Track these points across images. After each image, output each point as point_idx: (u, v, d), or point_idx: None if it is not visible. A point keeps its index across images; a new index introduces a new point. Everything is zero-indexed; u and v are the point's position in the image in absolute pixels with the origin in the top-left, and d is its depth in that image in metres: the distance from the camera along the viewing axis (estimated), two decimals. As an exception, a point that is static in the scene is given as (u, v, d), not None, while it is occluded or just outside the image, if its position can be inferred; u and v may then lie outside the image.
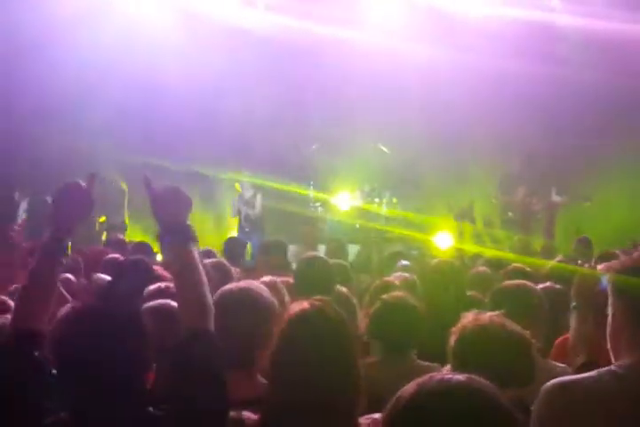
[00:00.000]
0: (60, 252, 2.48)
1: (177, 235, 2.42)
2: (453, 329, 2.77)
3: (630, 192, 10.99)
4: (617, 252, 5.45)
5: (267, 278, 4.24)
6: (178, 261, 2.42)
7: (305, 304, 2.52)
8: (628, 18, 10.92)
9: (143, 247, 6.64)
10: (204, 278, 2.43)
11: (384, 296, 3.86)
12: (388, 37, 11.49)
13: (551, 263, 5.27)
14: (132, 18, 11.49)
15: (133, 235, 10.46)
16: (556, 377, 2.43)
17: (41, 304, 2.46)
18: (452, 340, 2.74)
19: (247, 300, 2.96)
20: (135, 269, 4.52)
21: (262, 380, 2.88)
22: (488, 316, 2.79)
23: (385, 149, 12.08)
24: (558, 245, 9.44)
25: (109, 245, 7.24)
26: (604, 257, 5.26)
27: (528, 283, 3.88)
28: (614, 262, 2.62)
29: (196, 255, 2.44)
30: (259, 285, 3.15)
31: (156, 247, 6.94)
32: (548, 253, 7.56)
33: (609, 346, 2.48)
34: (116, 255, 5.71)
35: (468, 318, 2.79)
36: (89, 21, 11.02)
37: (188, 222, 2.45)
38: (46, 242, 2.47)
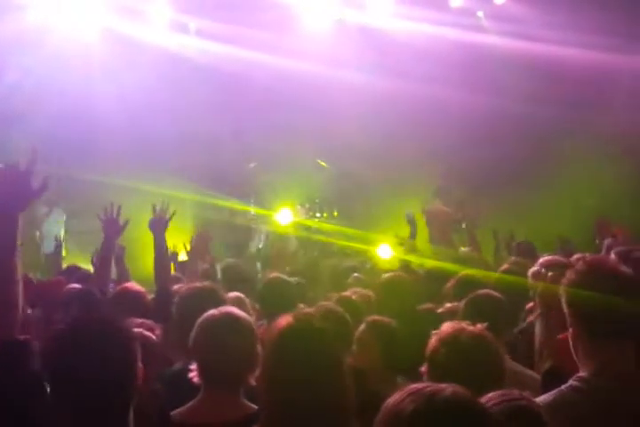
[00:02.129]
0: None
1: (4, 227, 2.46)
2: (433, 340, 2.78)
3: (565, 202, 11.44)
4: (559, 258, 5.60)
5: (232, 294, 4.38)
6: None
7: (290, 319, 2.57)
8: (561, 39, 11.31)
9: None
10: (16, 279, 2.49)
11: None
12: (321, 60, 11.73)
13: (497, 274, 5.31)
14: (64, 41, 11.41)
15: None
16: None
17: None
18: (434, 349, 2.75)
19: (232, 323, 3.02)
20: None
21: (246, 401, 2.97)
22: (470, 326, 2.81)
23: (324, 164, 12.27)
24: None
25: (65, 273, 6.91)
26: (549, 264, 5.39)
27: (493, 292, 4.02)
28: (564, 276, 2.63)
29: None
30: (236, 308, 3.20)
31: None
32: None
33: (573, 353, 2.55)
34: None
35: (447, 327, 2.81)
36: (21, 43, 10.94)
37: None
38: None
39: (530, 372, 3.64)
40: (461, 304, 3.99)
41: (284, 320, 2.57)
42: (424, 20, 12.05)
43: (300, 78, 11.62)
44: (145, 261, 6.50)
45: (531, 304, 4.29)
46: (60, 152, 11.07)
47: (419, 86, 11.31)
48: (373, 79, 11.57)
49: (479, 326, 2.80)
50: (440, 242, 10.03)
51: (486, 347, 2.71)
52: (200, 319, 3.06)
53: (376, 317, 4.01)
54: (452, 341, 2.72)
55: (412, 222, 7.02)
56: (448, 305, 4.42)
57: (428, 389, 1.69)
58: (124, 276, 6.26)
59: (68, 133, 11.22)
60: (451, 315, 3.97)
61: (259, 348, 2.93)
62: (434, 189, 11.30)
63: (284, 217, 11.32)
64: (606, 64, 11.35)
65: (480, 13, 12.69)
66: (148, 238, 5.57)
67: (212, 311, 3.09)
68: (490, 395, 1.72)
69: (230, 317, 3.05)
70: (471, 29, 12.17)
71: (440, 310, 4.42)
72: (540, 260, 4.85)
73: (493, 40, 12.09)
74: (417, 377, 2.76)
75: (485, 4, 12.57)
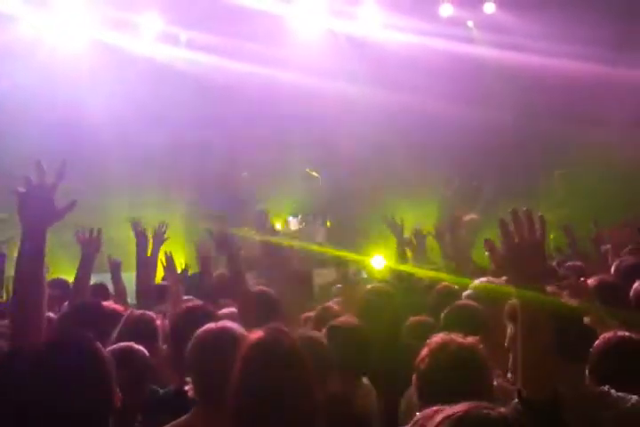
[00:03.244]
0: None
1: (34, 242, 2.48)
2: (423, 350, 2.77)
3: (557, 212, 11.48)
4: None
5: (226, 310, 4.33)
6: (28, 271, 2.50)
7: (261, 333, 2.61)
8: (551, 49, 11.40)
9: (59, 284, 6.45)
10: (45, 296, 2.50)
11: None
12: (312, 71, 11.78)
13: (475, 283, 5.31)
14: (54, 52, 11.43)
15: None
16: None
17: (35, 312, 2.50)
18: (422, 359, 2.74)
19: (229, 337, 2.97)
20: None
21: None
22: (461, 338, 2.79)
23: (314, 174, 12.28)
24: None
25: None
26: None
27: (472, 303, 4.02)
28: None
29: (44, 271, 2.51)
30: (234, 323, 3.17)
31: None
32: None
33: (510, 375, 2.69)
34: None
35: (437, 338, 2.80)
36: (11, 54, 10.95)
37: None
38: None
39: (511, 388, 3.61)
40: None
41: (255, 334, 2.61)
42: (414, 29, 12.15)
43: (291, 89, 11.67)
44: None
45: None
46: (50, 163, 11.04)
47: (409, 96, 11.38)
48: (363, 89, 11.64)
49: (470, 338, 2.78)
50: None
51: (473, 359, 2.69)
52: (196, 333, 3.03)
53: (336, 321, 3.94)
54: (439, 351, 2.71)
55: (393, 227, 6.83)
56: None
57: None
58: (119, 292, 6.17)
59: (57, 145, 11.19)
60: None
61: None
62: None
63: (277, 226, 11.31)
64: (595, 75, 11.41)
65: (470, 23, 12.75)
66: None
67: (209, 325, 3.07)
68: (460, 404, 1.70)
69: (226, 331, 3.01)
70: (461, 39, 12.28)
71: None
72: None
73: (483, 50, 12.16)
74: (388, 380, 2.68)
75: (475, 13, 12.65)
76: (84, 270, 5.12)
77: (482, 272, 6.33)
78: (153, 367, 3.48)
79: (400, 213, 11.65)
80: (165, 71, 12.04)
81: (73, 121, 11.34)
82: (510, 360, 2.69)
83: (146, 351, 3.50)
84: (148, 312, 4.23)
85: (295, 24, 12.61)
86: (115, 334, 3.79)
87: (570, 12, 11.23)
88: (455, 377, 2.61)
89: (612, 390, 2.63)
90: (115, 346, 3.44)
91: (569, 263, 6.00)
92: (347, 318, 3.96)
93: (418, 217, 10.56)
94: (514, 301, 2.64)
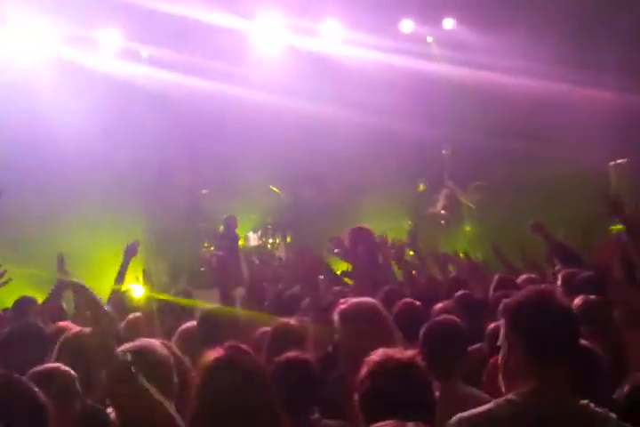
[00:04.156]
0: None
1: None
2: (363, 368, 2.71)
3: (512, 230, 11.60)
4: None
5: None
6: None
7: (220, 350, 2.57)
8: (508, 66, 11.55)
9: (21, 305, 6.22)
10: None
11: None
12: (273, 88, 11.84)
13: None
14: (14, 69, 11.32)
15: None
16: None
17: None
18: (362, 380, 2.68)
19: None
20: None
21: None
22: (400, 352, 2.76)
23: (276, 190, 12.28)
24: None
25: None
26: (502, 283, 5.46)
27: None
28: (509, 299, 2.74)
29: None
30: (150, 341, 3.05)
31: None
32: None
33: (500, 375, 2.63)
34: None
35: (376, 356, 2.75)
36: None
37: None
38: None
39: (485, 396, 3.57)
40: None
41: (215, 352, 2.57)
42: (374, 46, 12.25)
43: (253, 105, 11.69)
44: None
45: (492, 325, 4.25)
46: (10, 181, 10.91)
47: (369, 114, 11.45)
48: (325, 106, 11.66)
49: (409, 352, 2.75)
50: None
51: (415, 374, 2.67)
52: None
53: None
54: (378, 370, 2.66)
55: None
56: None
57: None
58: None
59: (18, 162, 11.07)
60: None
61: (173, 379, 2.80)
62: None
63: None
64: (554, 92, 11.58)
65: (430, 39, 12.86)
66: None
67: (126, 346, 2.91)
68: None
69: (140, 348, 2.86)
70: (421, 56, 12.37)
71: None
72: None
73: (443, 67, 12.28)
74: None
75: (435, 29, 12.76)
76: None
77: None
78: None
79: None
80: (126, 87, 11.98)
81: (32, 137, 11.22)
82: (500, 359, 2.65)
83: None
84: None
85: (257, 41, 12.62)
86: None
87: (528, 30, 11.39)
88: (399, 394, 2.59)
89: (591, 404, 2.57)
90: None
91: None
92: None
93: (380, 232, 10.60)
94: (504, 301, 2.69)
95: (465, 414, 2.52)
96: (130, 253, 6.16)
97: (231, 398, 2.45)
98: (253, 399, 2.46)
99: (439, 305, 5.06)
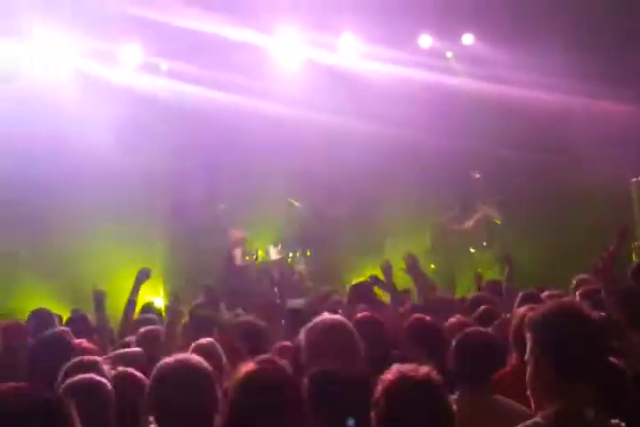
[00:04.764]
0: None
1: None
2: (378, 388, 2.68)
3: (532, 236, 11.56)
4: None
5: (204, 340, 4.26)
6: None
7: (252, 365, 2.60)
8: (528, 80, 11.53)
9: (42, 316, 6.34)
10: None
11: None
12: (292, 101, 11.87)
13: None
14: (35, 82, 11.44)
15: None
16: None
17: None
18: (377, 399, 2.64)
19: (187, 372, 2.84)
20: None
21: None
22: (415, 370, 2.70)
23: (295, 203, 12.29)
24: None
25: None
26: (527, 298, 5.43)
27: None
28: (532, 313, 2.66)
29: None
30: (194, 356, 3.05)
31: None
32: None
33: (529, 391, 2.57)
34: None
35: (390, 374, 2.71)
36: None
37: None
38: None
39: (521, 409, 3.56)
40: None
41: (247, 366, 2.60)
42: (393, 60, 12.27)
43: (271, 118, 11.74)
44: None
45: None
46: (28, 192, 11.05)
47: (389, 127, 11.49)
48: (343, 119, 11.70)
49: (424, 368, 2.71)
50: None
51: (429, 394, 2.63)
52: (155, 369, 2.91)
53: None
54: (393, 389, 2.63)
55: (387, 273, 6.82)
56: None
57: None
58: (102, 322, 6.13)
59: (37, 174, 11.17)
60: None
61: (219, 396, 2.79)
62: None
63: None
64: (573, 106, 11.57)
65: (449, 54, 12.89)
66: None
67: (167, 360, 2.94)
68: None
69: (186, 366, 2.86)
70: (440, 70, 12.39)
71: None
72: None
73: (462, 81, 12.30)
74: None
75: (454, 44, 12.79)
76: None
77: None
78: None
79: (383, 244, 11.86)
80: (146, 101, 12.07)
81: (53, 152, 11.33)
82: (527, 375, 2.58)
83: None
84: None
85: (275, 55, 12.70)
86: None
87: (546, 44, 11.40)
88: (417, 412, 2.56)
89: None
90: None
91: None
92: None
93: (400, 248, 10.60)
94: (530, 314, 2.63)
95: None
96: (141, 278, 6.16)
97: (261, 407, 2.47)
98: (283, 408, 2.48)
99: (453, 320, 5.05)
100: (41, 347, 4.45)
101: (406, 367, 2.73)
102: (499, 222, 11.98)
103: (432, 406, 2.61)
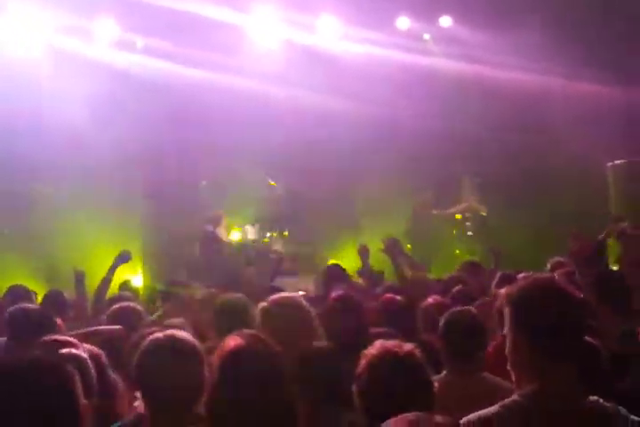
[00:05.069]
0: None
1: None
2: (362, 362, 2.74)
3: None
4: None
5: (175, 320, 4.29)
6: None
7: (239, 339, 2.61)
8: (504, 62, 11.58)
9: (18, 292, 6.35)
10: None
11: None
12: (269, 80, 11.83)
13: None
14: (8, 58, 11.29)
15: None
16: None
17: None
18: (359, 373, 2.71)
19: (176, 347, 2.84)
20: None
21: None
22: (398, 346, 2.76)
23: (272, 183, 12.28)
24: None
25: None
26: (504, 279, 5.52)
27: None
28: (509, 289, 2.60)
29: None
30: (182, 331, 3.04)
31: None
32: None
33: (509, 366, 2.54)
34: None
35: (374, 349, 2.77)
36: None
37: None
38: None
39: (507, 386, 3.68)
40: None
41: (233, 340, 2.59)
42: (371, 41, 12.25)
43: (248, 97, 11.69)
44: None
45: None
46: (6, 170, 10.95)
47: (366, 106, 11.49)
48: (321, 99, 11.68)
49: (408, 345, 2.75)
50: None
51: (411, 370, 2.67)
52: (143, 344, 2.91)
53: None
54: (376, 362, 2.68)
55: (362, 255, 6.87)
56: None
57: None
58: (81, 299, 6.16)
59: (11, 150, 11.06)
60: None
61: (206, 373, 2.80)
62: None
63: (235, 236, 11.30)
64: (549, 87, 11.66)
65: (427, 36, 12.91)
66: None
67: (156, 335, 2.93)
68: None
69: (174, 340, 2.86)
70: (418, 51, 12.39)
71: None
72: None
73: (440, 62, 12.33)
74: None
75: (432, 26, 12.80)
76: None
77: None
78: None
79: (361, 224, 11.91)
80: (121, 77, 11.95)
81: (27, 127, 11.20)
82: (507, 351, 2.54)
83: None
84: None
85: (253, 34, 12.62)
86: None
87: (523, 26, 11.46)
88: (399, 388, 2.59)
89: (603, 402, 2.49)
90: None
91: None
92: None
93: (378, 229, 10.67)
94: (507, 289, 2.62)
95: (471, 416, 2.45)
96: (120, 260, 6.17)
97: (249, 381, 2.48)
98: (271, 387, 2.50)
99: (430, 300, 5.13)
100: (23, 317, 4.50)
101: (390, 343, 2.77)
102: (484, 214, 12.04)
103: (413, 382, 2.64)
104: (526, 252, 9.95)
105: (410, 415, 1.98)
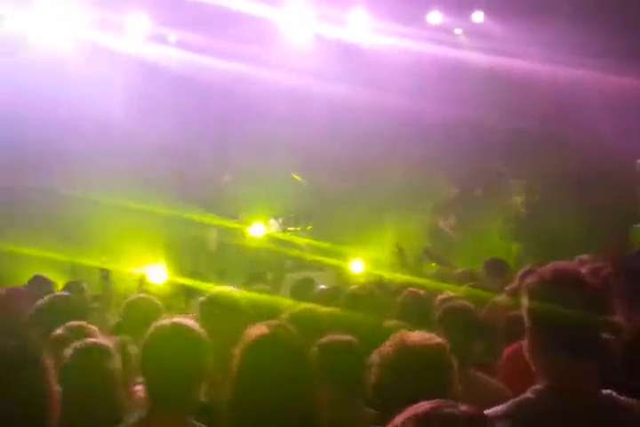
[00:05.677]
0: None
1: None
2: (376, 358, 2.67)
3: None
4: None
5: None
6: None
7: (263, 328, 2.62)
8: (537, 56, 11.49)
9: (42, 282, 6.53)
10: None
11: None
12: (297, 72, 11.81)
13: (464, 288, 5.39)
14: (41, 51, 11.39)
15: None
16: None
17: None
18: (375, 373, 2.63)
19: (181, 335, 2.85)
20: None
21: (193, 421, 2.82)
22: (417, 337, 2.67)
23: (298, 178, 12.28)
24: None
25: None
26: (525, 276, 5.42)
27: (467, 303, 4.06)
28: (530, 279, 2.47)
29: None
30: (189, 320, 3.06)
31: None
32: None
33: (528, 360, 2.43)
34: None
35: (390, 343, 2.68)
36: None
37: None
38: None
39: (498, 385, 3.65)
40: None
41: (258, 329, 2.61)
42: (402, 36, 12.17)
43: (278, 91, 11.69)
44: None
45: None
46: (32, 163, 11.08)
47: (396, 100, 11.41)
48: (351, 93, 11.63)
49: (429, 335, 2.68)
50: None
51: (437, 358, 2.60)
52: (148, 331, 2.91)
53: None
54: (391, 356, 2.61)
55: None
56: None
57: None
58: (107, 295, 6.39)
59: (43, 144, 11.18)
60: None
61: (209, 361, 2.82)
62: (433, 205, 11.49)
63: (257, 230, 11.31)
64: (580, 81, 11.49)
65: (458, 31, 12.80)
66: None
67: (163, 322, 2.94)
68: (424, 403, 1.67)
69: (178, 328, 2.87)
70: (449, 45, 12.28)
71: None
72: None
73: (470, 55, 12.21)
74: None
75: (464, 22, 12.69)
76: None
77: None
78: None
79: (384, 219, 11.87)
80: (153, 72, 12.03)
81: (60, 121, 11.30)
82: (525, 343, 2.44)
83: None
84: None
85: (284, 28, 12.61)
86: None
87: (555, 21, 11.32)
88: (418, 380, 2.50)
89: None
90: None
91: None
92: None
93: (402, 225, 10.62)
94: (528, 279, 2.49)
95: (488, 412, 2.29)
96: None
97: (273, 372, 2.49)
98: (295, 374, 2.49)
99: (444, 295, 5.08)
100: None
101: (410, 336, 2.68)
102: (523, 212, 11.84)
103: (430, 376, 2.56)
104: (556, 248, 9.79)
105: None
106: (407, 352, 2.57)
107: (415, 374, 2.50)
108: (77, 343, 3.21)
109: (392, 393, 2.50)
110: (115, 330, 4.78)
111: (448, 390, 2.54)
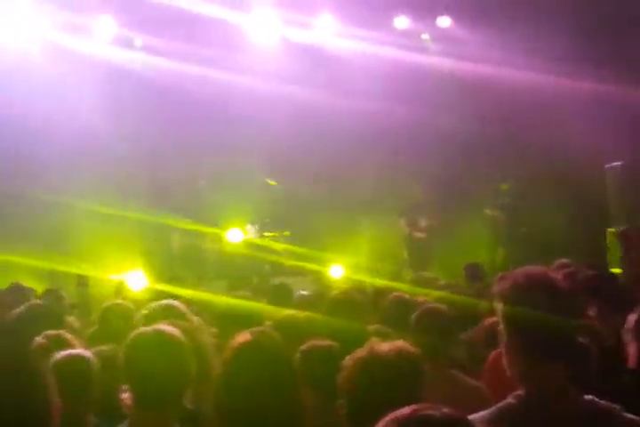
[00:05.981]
0: None
1: None
2: (347, 362, 2.58)
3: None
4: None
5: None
6: None
7: (247, 335, 2.65)
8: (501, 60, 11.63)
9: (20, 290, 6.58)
10: None
11: None
12: (264, 76, 11.89)
13: (439, 293, 5.54)
14: (6, 54, 11.30)
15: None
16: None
17: None
18: (347, 375, 2.53)
19: (163, 342, 2.83)
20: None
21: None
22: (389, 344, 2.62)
23: (272, 183, 12.28)
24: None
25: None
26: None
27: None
28: (501, 283, 2.46)
29: None
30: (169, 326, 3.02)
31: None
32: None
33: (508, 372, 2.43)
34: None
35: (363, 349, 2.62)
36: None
37: None
38: None
39: (474, 384, 3.81)
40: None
41: (242, 337, 2.64)
42: (369, 40, 12.27)
43: (247, 95, 11.71)
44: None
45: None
46: (4, 167, 10.97)
47: (364, 104, 11.52)
48: (318, 96, 11.69)
49: (399, 342, 2.64)
50: None
51: (401, 365, 2.54)
52: (129, 337, 2.91)
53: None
54: (361, 365, 2.54)
55: None
56: None
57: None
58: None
59: (7, 147, 11.09)
60: None
61: (193, 367, 2.82)
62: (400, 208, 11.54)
63: (235, 236, 11.31)
64: (547, 85, 11.68)
65: (425, 36, 12.93)
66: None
67: (144, 329, 2.93)
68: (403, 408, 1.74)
69: (161, 335, 2.85)
70: (415, 50, 12.41)
71: None
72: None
73: (436, 60, 12.35)
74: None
75: (430, 27, 12.83)
76: None
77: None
78: None
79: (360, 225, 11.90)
80: (119, 74, 11.97)
81: (25, 123, 11.22)
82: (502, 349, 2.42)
83: None
84: None
85: (251, 31, 12.65)
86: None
87: (524, 27, 11.50)
88: (389, 388, 2.46)
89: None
90: None
91: None
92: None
93: (378, 229, 10.67)
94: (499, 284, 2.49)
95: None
96: None
97: (257, 379, 2.52)
98: (279, 380, 2.54)
99: (420, 299, 5.25)
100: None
101: (380, 344, 2.63)
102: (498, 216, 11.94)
103: (400, 386, 2.49)
104: (529, 254, 9.94)
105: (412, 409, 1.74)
106: (377, 362, 2.55)
107: (386, 385, 2.48)
108: (58, 355, 3.25)
109: (361, 403, 2.47)
110: (92, 337, 4.81)
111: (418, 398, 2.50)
